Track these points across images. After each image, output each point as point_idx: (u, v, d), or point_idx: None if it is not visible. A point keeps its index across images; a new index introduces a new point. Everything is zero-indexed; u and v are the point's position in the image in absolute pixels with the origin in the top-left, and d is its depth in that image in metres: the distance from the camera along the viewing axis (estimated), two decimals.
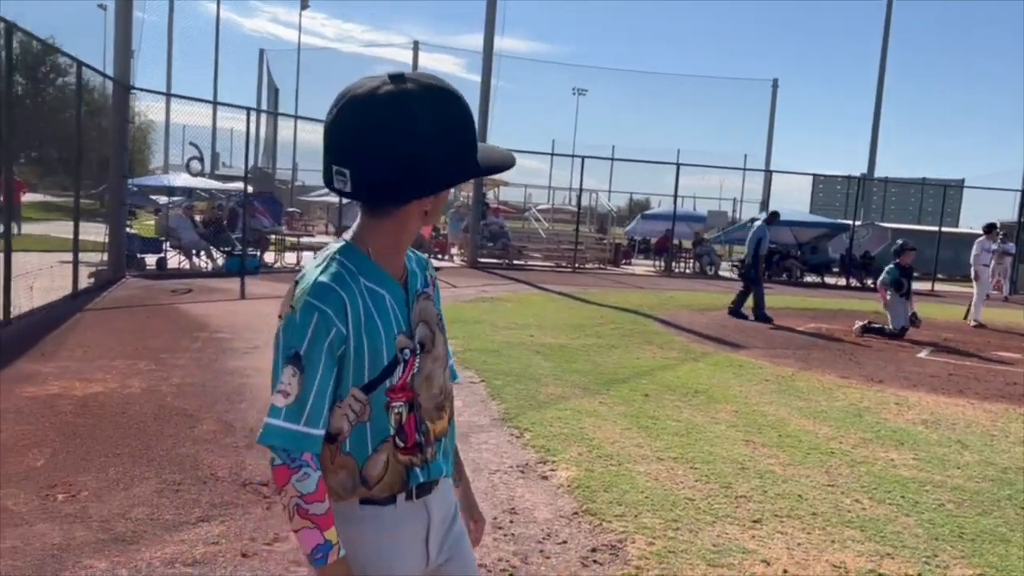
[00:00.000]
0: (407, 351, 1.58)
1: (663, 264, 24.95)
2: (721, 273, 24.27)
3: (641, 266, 25.98)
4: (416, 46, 39.93)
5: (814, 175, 33.79)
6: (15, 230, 17.23)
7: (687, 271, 24.72)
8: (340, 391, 1.53)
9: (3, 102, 8.77)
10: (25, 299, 9.27)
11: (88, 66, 11.50)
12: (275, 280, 14.30)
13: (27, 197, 24.87)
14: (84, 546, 3.55)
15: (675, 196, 25.56)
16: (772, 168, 33.08)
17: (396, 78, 1.48)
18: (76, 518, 3.83)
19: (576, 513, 4.25)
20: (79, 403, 5.74)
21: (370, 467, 1.57)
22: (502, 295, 14.53)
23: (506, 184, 30.92)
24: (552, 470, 4.91)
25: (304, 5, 48.52)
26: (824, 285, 22.50)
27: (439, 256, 22.22)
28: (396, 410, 1.57)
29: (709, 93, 54.06)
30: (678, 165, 25.24)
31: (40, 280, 10.14)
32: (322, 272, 1.50)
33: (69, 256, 11.32)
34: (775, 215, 13.65)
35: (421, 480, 1.63)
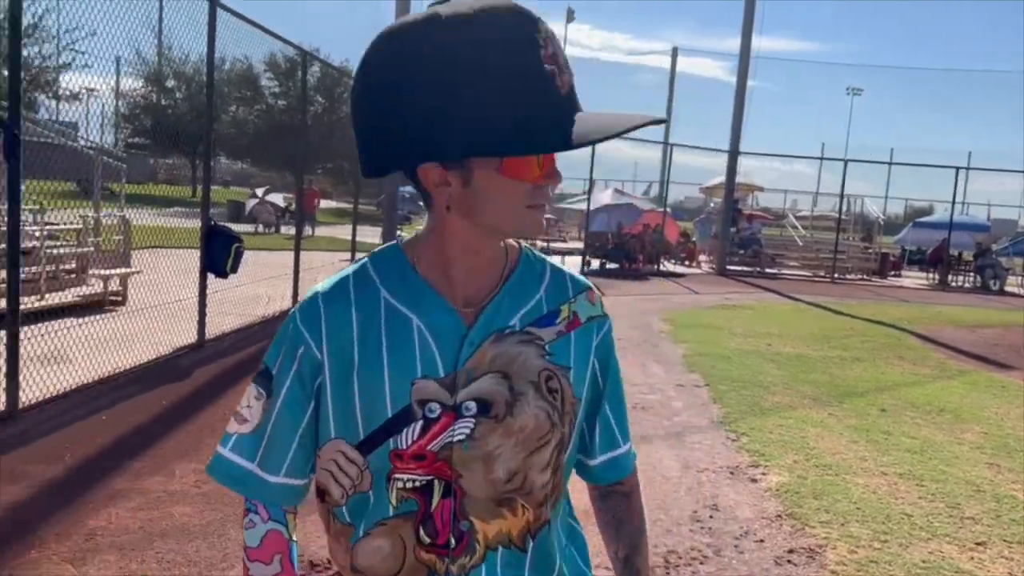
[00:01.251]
0: (434, 406, 1.05)
1: (937, 277, 22.83)
2: (1008, 289, 21.73)
3: (912, 278, 23.95)
4: (675, 52, 39.83)
5: None
6: (309, 232, 19.77)
7: (965, 285, 22.41)
8: (320, 436, 1.11)
9: (300, 122, 10.18)
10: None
11: None
12: None
13: (323, 204, 28.18)
14: None
15: (952, 202, 23.32)
16: None
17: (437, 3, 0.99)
18: None
19: (779, 516, 4.23)
20: None
21: (359, 551, 1.11)
22: (746, 303, 14.21)
23: (761, 190, 29.92)
24: (763, 474, 4.89)
25: (570, 18, 50.24)
26: None
27: (687, 263, 22.03)
28: (402, 484, 1.06)
29: (1008, 89, 48.28)
30: (958, 169, 23.00)
31: (323, 274, 11.61)
32: (334, 277, 1.12)
33: (349, 255, 12.84)
34: None
35: None
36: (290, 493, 1.11)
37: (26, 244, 9.13)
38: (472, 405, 1.06)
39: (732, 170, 20.89)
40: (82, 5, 5.84)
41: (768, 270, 21.75)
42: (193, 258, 7.64)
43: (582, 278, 1.18)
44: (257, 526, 1.10)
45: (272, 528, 1.11)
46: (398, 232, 16.07)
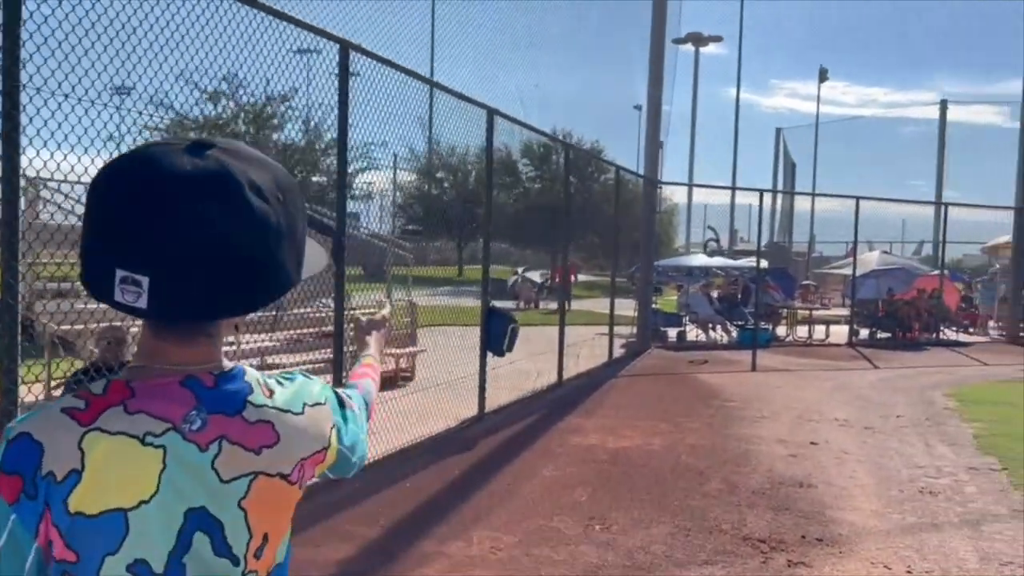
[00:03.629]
0: None
1: None
2: None
3: None
4: (944, 105, 37.02)
5: None
6: (567, 307, 20.56)
7: None
8: None
9: (562, 203, 10.87)
10: (573, 365, 11.16)
11: (624, 169, 13.54)
12: (785, 354, 14.64)
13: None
14: (612, 568, 4.43)
15: None
16: None
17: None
18: (608, 546, 4.76)
19: None
20: (612, 454, 6.88)
21: None
22: None
23: None
24: None
25: (823, 78, 48.54)
26: None
27: (970, 330, 20.05)
28: None
29: None
30: None
31: (584, 349, 12.09)
32: None
33: (606, 329, 13.25)
34: None
35: None
36: None
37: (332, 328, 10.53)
38: None
39: (1021, 227, 18.93)
40: (375, 123, 6.67)
41: None
42: (465, 335, 8.42)
43: None
44: None
45: None
46: (652, 303, 16.32)
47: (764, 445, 7.31)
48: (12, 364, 3.38)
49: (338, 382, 5.94)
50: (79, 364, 8.16)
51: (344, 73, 5.69)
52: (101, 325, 5.35)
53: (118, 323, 5.16)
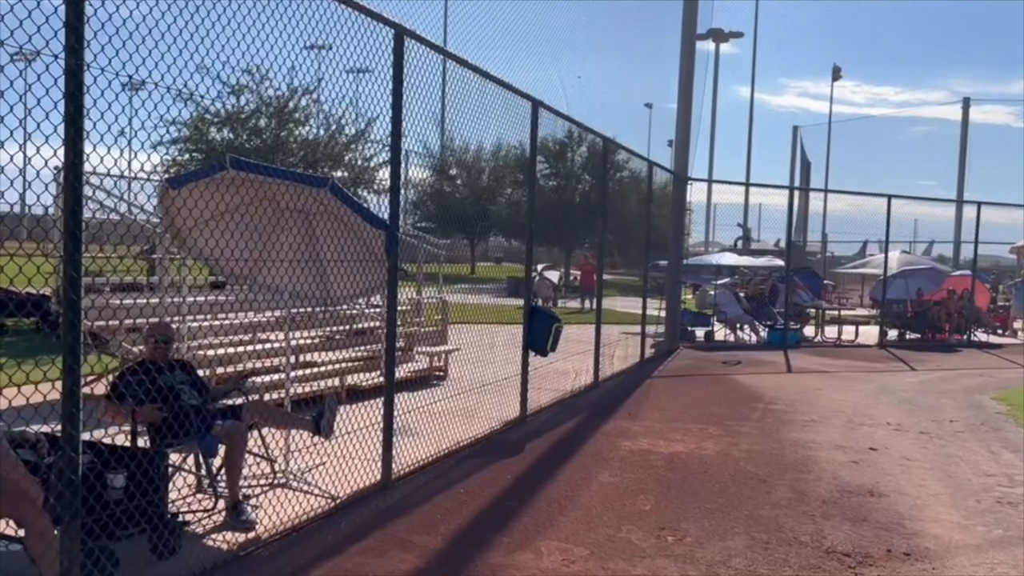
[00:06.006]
0: None
1: None
2: None
3: None
4: (966, 102, 36.57)
5: None
6: (589, 305, 20.28)
7: None
8: None
9: (600, 203, 10.53)
10: (608, 365, 10.89)
11: (658, 165, 13.26)
12: (817, 355, 14.35)
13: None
14: None
15: None
16: None
17: None
18: (686, 559, 4.49)
19: None
20: (666, 459, 6.62)
21: None
22: None
23: None
24: None
25: (836, 76, 48.12)
26: None
27: (1000, 332, 19.71)
28: None
29: None
30: None
31: (616, 349, 11.82)
32: None
33: (630, 328, 12.97)
34: None
35: None
36: None
37: (366, 324, 10.26)
38: None
39: None
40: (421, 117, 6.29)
41: None
42: (492, 333, 8.18)
43: None
44: None
45: None
46: (682, 305, 16.01)
47: (822, 451, 7.03)
48: (75, 363, 3.13)
49: (390, 379, 5.65)
50: (106, 359, 7.94)
51: (399, 60, 5.43)
52: (150, 321, 5.10)
53: (165, 320, 4.90)
